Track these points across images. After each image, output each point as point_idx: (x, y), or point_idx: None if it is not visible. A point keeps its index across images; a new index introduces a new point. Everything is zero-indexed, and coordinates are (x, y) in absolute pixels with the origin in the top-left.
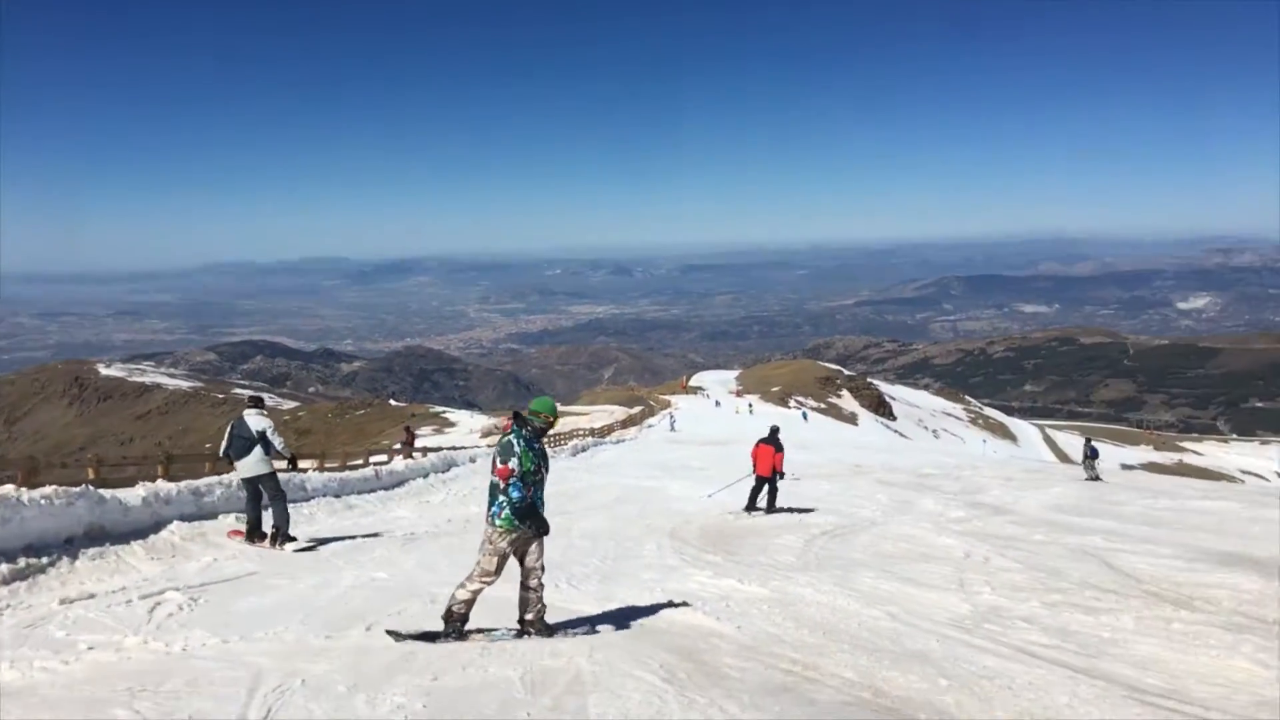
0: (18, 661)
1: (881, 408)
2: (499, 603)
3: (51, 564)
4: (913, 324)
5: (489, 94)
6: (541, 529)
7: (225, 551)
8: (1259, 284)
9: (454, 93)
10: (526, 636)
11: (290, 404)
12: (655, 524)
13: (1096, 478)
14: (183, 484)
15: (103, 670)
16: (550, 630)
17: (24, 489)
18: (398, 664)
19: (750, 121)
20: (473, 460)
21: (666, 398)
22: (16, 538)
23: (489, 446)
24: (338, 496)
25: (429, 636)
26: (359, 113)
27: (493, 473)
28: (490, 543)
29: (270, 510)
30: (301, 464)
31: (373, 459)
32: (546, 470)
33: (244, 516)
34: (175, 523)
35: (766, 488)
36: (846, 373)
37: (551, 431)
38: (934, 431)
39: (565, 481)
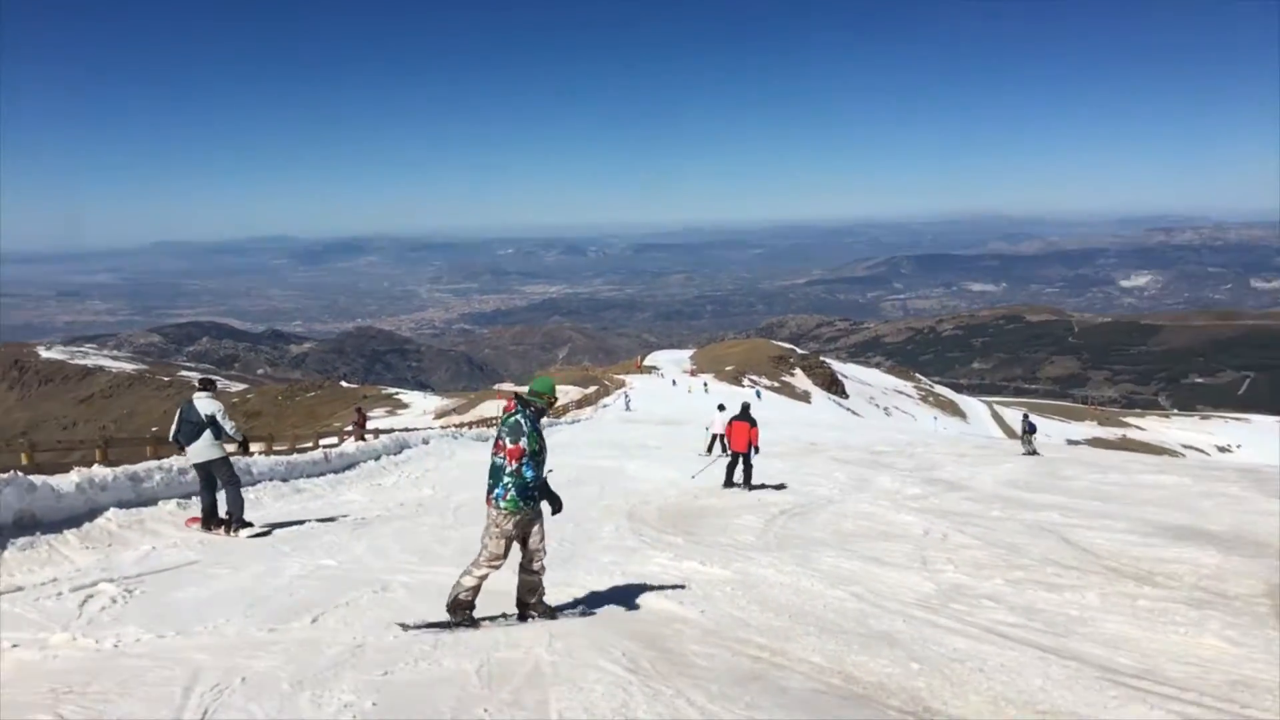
0: None
1: (834, 386)
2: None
3: None
4: (864, 303)
5: (439, 70)
6: (556, 507)
7: (165, 539)
8: (1198, 262)
9: (403, 69)
10: (530, 620)
11: (239, 386)
12: (613, 505)
13: (1034, 452)
14: (120, 469)
15: (26, 670)
16: (554, 613)
17: None
18: (346, 658)
19: (705, 102)
20: (425, 442)
21: (621, 377)
22: None
23: (443, 429)
24: (285, 480)
25: (442, 626)
26: (305, 87)
27: (497, 454)
28: (496, 526)
29: (224, 496)
30: (254, 447)
31: (322, 441)
32: (545, 451)
33: (186, 503)
34: (112, 510)
35: (742, 463)
36: (800, 351)
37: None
38: (885, 409)
39: None
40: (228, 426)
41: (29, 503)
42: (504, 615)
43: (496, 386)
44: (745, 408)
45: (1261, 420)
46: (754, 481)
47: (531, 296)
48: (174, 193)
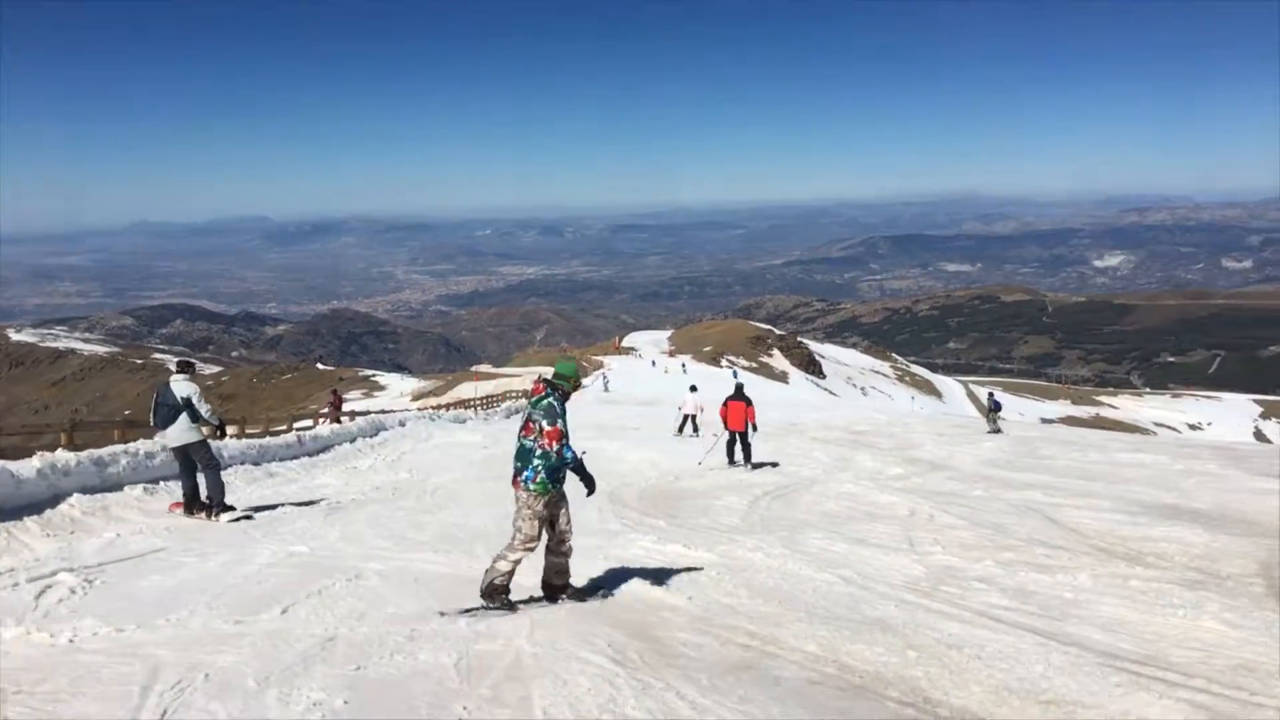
0: None
1: (811, 366)
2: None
3: None
4: (841, 283)
5: (415, 51)
6: (591, 487)
7: (130, 526)
8: (1171, 242)
9: (379, 49)
10: (561, 602)
11: (213, 369)
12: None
13: (998, 430)
14: (84, 454)
15: None
16: (582, 594)
17: None
18: (317, 652)
19: (682, 82)
20: (402, 424)
21: (599, 358)
22: None
23: (420, 411)
24: (257, 464)
25: (481, 612)
26: (280, 67)
27: (526, 437)
28: (528, 508)
29: (204, 480)
30: (229, 430)
31: (296, 424)
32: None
33: (153, 488)
34: (75, 495)
35: (740, 442)
36: (777, 332)
37: (483, 394)
38: (862, 389)
39: (499, 444)
40: (203, 409)
41: None
42: (531, 598)
43: (474, 368)
44: (739, 388)
45: (1232, 398)
46: (752, 460)
47: (509, 278)
48: (146, 174)
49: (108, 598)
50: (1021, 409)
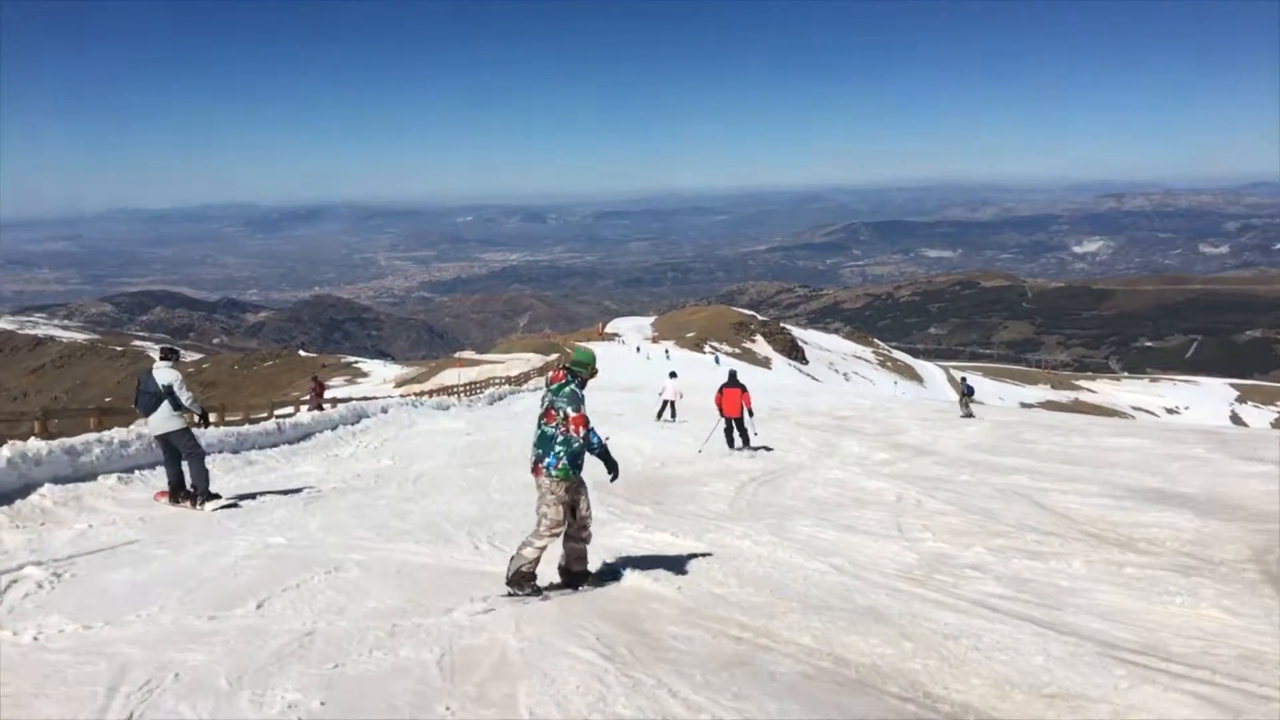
0: None
1: (794, 352)
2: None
3: None
4: (823, 269)
5: (399, 36)
6: (615, 472)
7: (102, 517)
8: (1149, 228)
9: (360, 33)
10: (582, 589)
11: (194, 356)
12: None
13: (970, 414)
14: (56, 442)
15: None
16: (600, 580)
17: None
18: (293, 649)
19: (667, 68)
20: (384, 411)
21: (583, 345)
22: None
23: (402, 397)
24: (235, 452)
25: (509, 599)
26: (261, 51)
27: (548, 424)
28: (552, 493)
29: (188, 468)
30: (211, 418)
31: (277, 411)
32: None
33: (128, 478)
34: (47, 485)
35: (737, 427)
36: (760, 318)
37: (466, 380)
38: (845, 374)
39: (483, 431)
40: (184, 397)
41: None
42: (551, 585)
43: (457, 355)
44: (733, 375)
45: (1208, 382)
46: (751, 444)
47: (492, 264)
48: (125, 159)
49: (76, 592)
50: (1001, 394)
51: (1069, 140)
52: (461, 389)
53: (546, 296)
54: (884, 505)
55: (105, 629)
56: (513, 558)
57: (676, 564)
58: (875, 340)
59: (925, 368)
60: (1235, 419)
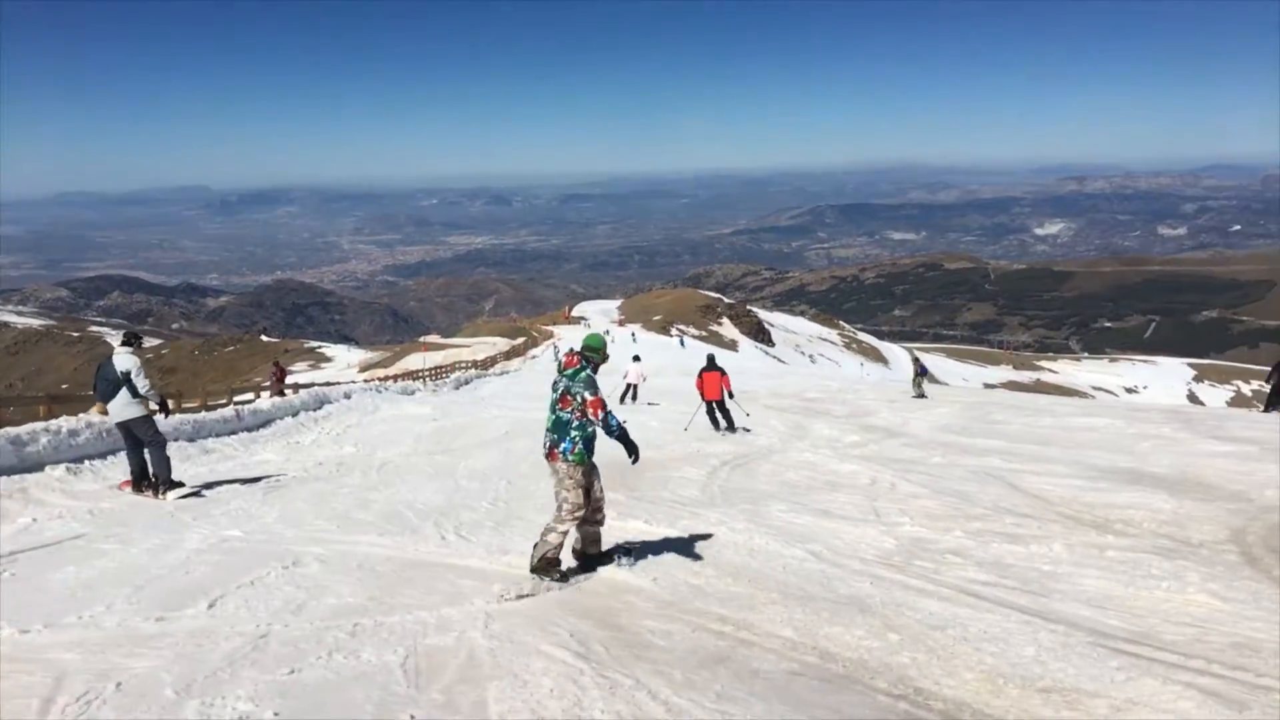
0: None
1: (761, 334)
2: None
3: None
4: (789, 252)
5: (358, 13)
6: (635, 455)
7: (49, 510)
8: (1109, 210)
9: (320, 10)
10: (593, 572)
11: (153, 341)
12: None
13: (922, 394)
14: (0, 431)
15: None
16: (573, 573)
17: None
18: (246, 653)
19: (630, 50)
20: (347, 396)
21: (549, 328)
22: None
23: (366, 382)
24: (192, 440)
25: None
26: (216, 30)
27: (564, 409)
28: (570, 478)
29: (149, 457)
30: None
31: (236, 398)
32: None
33: (77, 468)
34: None
35: (719, 409)
36: (726, 300)
37: (432, 364)
38: (811, 356)
39: (449, 416)
40: (140, 385)
41: None
42: (570, 568)
43: (422, 339)
44: (711, 359)
45: (1166, 362)
46: (735, 425)
47: (456, 248)
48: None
49: (16, 592)
50: (965, 375)
51: (1031, 123)
52: (427, 373)
53: (512, 280)
54: (858, 489)
55: (44, 633)
56: (536, 544)
57: (651, 553)
58: (841, 322)
59: (890, 349)
60: (1192, 398)
